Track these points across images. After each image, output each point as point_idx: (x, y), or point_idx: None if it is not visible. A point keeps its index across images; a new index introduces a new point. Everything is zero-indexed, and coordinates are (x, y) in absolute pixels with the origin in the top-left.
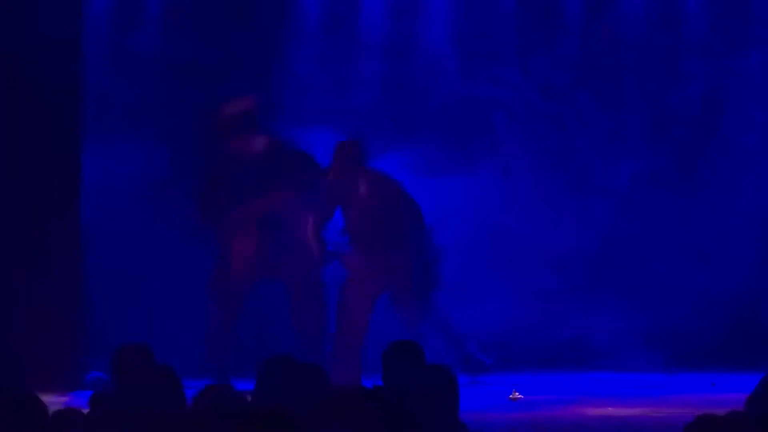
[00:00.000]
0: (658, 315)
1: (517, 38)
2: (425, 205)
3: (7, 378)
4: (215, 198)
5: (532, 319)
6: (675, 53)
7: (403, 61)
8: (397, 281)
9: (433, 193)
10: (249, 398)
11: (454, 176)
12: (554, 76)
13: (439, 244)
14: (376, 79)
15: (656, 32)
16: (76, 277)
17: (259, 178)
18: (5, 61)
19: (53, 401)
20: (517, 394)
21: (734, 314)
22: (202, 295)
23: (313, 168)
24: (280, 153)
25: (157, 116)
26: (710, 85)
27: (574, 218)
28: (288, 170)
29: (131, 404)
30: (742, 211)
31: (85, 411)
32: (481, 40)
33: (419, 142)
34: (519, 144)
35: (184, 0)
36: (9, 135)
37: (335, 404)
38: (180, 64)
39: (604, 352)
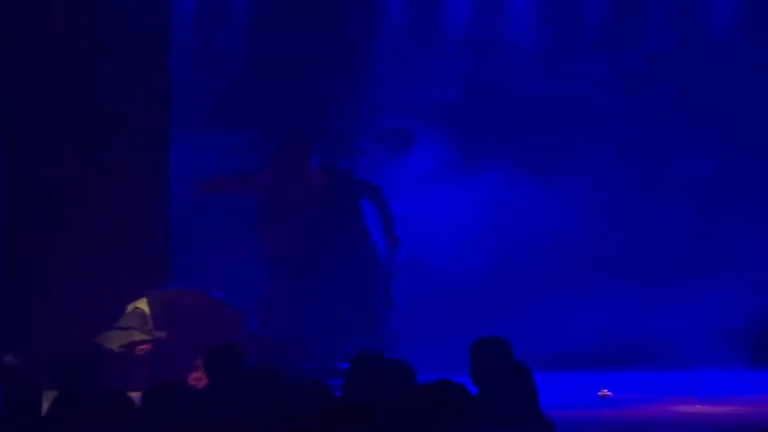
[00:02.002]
0: (740, 312)
1: (599, 33)
2: (506, 200)
3: (89, 373)
4: None
5: (616, 317)
6: (760, 51)
7: (483, 57)
8: None
9: (515, 189)
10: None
11: (533, 172)
12: (637, 71)
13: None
14: (458, 75)
15: (741, 29)
16: (164, 273)
17: None
18: (96, 60)
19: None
20: (605, 391)
21: None
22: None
23: None
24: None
25: (242, 113)
26: None
27: (653, 214)
28: None
29: (223, 402)
30: None
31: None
32: (563, 36)
33: (500, 138)
34: (600, 140)
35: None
36: (100, 131)
37: (417, 400)
38: (265, 62)
39: (688, 349)
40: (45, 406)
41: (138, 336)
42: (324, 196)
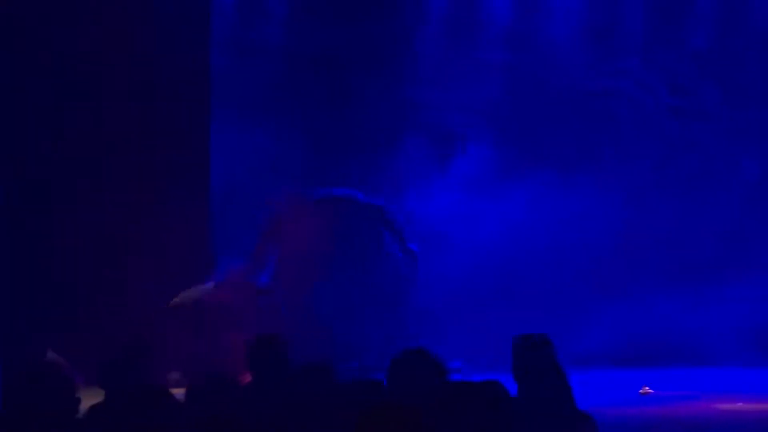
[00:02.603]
0: None
1: (642, 31)
2: (549, 197)
3: (134, 370)
4: None
5: (657, 315)
6: None
7: (528, 55)
8: None
9: (558, 187)
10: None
11: (576, 170)
12: (680, 70)
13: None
14: (501, 72)
15: None
16: (203, 266)
17: None
18: (138, 53)
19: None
20: (647, 388)
21: None
22: None
23: None
24: None
25: (282, 106)
26: None
27: (696, 212)
28: None
29: (267, 396)
30: None
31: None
32: (607, 33)
33: (543, 137)
34: (643, 137)
35: None
36: (143, 122)
37: (453, 397)
38: (305, 55)
39: (729, 347)
40: (83, 404)
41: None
42: (342, 226)
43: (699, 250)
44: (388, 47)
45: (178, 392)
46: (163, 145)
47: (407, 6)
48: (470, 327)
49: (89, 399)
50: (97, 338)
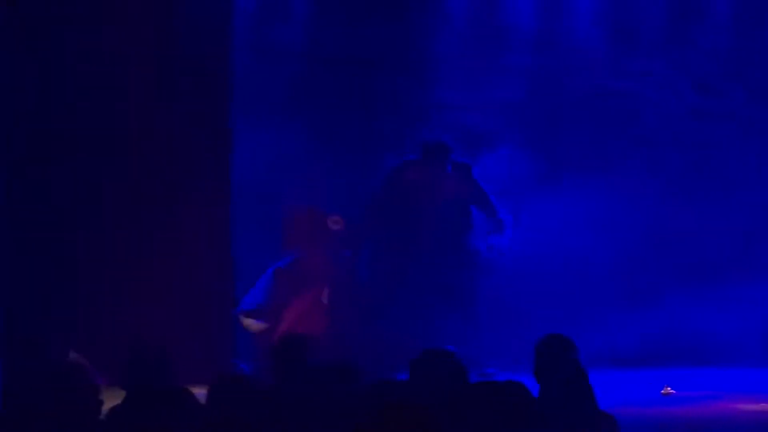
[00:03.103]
0: None
1: (666, 31)
2: (566, 198)
3: (155, 371)
4: None
5: (677, 315)
6: None
7: (549, 55)
8: None
9: (579, 189)
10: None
11: (598, 172)
12: (704, 69)
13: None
14: (522, 72)
15: None
16: (225, 269)
17: None
18: (158, 52)
19: (200, 394)
20: (669, 389)
21: None
22: None
23: None
24: None
25: (304, 107)
26: None
27: (720, 213)
28: None
29: (289, 397)
30: None
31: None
32: (629, 33)
33: (564, 137)
34: (666, 139)
35: None
36: (162, 122)
37: (474, 398)
38: (326, 57)
39: (752, 347)
40: (105, 405)
41: None
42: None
43: (724, 251)
44: (409, 49)
45: (200, 392)
46: (183, 145)
47: (429, 7)
48: (492, 328)
49: (111, 400)
50: (112, 339)
